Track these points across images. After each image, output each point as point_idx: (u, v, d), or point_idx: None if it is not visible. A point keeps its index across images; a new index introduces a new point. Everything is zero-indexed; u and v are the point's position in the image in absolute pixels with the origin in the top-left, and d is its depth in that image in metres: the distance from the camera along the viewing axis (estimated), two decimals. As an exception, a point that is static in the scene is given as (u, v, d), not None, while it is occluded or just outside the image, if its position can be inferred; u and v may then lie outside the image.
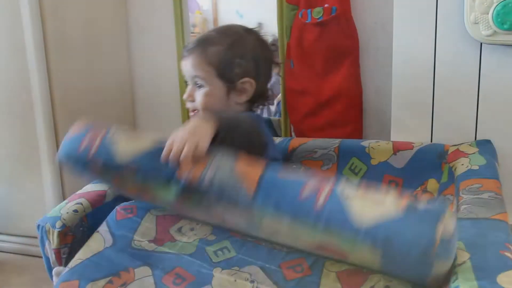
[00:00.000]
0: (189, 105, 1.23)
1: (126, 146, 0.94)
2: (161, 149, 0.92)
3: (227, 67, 1.19)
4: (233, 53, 1.20)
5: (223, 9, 4.13)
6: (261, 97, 1.28)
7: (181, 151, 0.91)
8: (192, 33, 2.07)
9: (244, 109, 1.25)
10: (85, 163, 0.97)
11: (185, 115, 1.95)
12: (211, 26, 4.25)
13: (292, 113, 1.72)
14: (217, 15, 4.18)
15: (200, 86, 1.20)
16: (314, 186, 0.79)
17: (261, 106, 1.32)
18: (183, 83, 1.92)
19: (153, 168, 0.92)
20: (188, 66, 1.21)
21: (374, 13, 1.59)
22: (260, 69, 1.24)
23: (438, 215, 0.72)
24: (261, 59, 1.24)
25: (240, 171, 0.86)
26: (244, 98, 1.23)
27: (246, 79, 1.21)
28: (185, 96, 1.23)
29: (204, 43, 1.21)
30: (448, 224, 0.72)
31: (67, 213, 1.10)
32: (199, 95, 1.20)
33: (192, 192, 0.90)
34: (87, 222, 1.13)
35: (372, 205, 0.75)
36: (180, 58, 1.83)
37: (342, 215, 0.75)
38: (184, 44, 1.88)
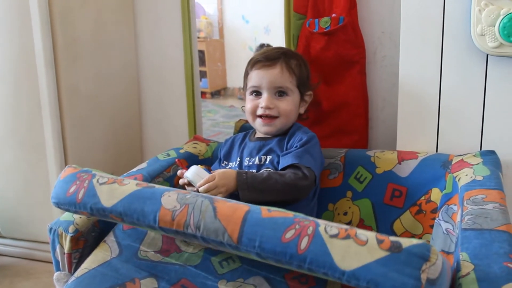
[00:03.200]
0: (267, 112, 1.28)
1: (111, 190, 0.95)
2: (145, 191, 0.92)
3: (302, 79, 1.31)
4: (306, 68, 1.35)
5: (229, 14, 4.15)
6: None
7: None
8: (197, 37, 2.07)
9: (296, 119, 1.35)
10: (75, 207, 0.98)
11: (191, 122, 1.95)
12: (216, 31, 4.28)
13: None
14: (222, 20, 4.20)
15: (282, 95, 1.29)
16: (296, 228, 0.77)
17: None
18: (190, 89, 1.93)
19: (137, 211, 0.91)
20: (275, 75, 1.27)
21: (381, 23, 1.60)
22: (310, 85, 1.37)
23: (422, 256, 0.67)
24: (309, 77, 1.37)
25: (223, 215, 0.83)
26: (303, 109, 1.36)
27: (310, 92, 1.36)
28: (265, 104, 1.27)
29: (286, 55, 1.30)
30: (433, 266, 0.67)
31: (80, 217, 1.10)
32: (285, 103, 1.29)
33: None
34: (99, 227, 1.13)
35: (355, 247, 0.71)
36: (187, 63, 1.88)
37: (325, 257, 0.72)
38: (192, 49, 1.90)
